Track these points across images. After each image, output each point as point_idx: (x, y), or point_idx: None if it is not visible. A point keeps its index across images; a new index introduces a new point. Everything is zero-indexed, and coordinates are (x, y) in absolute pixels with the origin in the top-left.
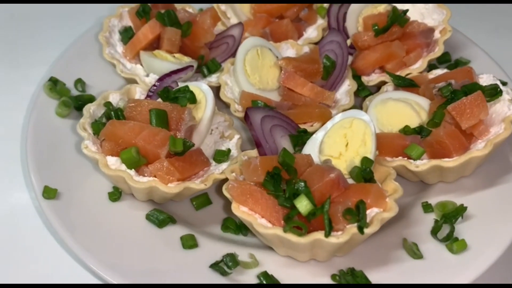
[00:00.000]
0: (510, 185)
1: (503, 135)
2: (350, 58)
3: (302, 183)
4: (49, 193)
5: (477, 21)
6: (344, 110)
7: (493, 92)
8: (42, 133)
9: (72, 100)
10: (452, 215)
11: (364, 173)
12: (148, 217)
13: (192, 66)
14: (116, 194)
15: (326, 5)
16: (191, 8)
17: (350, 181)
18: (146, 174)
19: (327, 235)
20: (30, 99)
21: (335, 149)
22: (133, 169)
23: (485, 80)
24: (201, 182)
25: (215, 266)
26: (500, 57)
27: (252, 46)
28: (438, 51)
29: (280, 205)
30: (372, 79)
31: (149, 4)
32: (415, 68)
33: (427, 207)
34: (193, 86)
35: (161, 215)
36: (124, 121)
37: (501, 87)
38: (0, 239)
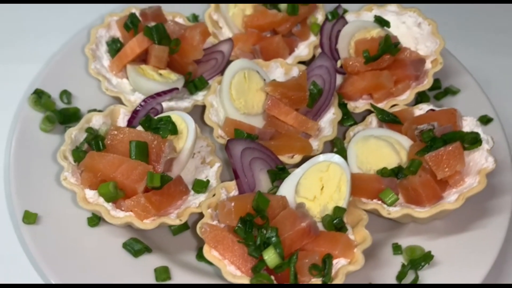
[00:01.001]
0: (480, 232)
1: (476, 189)
2: (340, 79)
3: (273, 233)
4: (29, 218)
5: (473, 41)
6: (326, 141)
7: (472, 141)
8: (25, 152)
9: (57, 114)
10: (419, 261)
11: (335, 222)
12: (125, 245)
13: (177, 88)
14: (95, 220)
15: (320, 21)
16: (182, 17)
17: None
18: (123, 208)
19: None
20: (15, 112)
21: (311, 192)
22: (110, 203)
23: (468, 123)
24: (177, 217)
25: None
26: (494, 78)
27: (239, 68)
28: (426, 84)
29: (249, 255)
30: (359, 106)
31: (137, 15)
32: (402, 100)
33: (396, 249)
34: (176, 115)
35: (137, 245)
36: (103, 154)
37: (482, 135)
38: None
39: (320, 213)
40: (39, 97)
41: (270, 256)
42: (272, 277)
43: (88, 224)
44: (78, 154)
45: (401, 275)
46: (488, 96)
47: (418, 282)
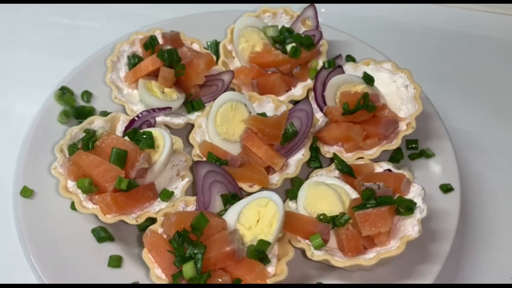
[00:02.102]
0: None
1: (391, 253)
2: (323, 121)
3: (200, 250)
4: (26, 193)
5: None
6: (287, 178)
7: (407, 208)
8: (40, 137)
9: (73, 110)
10: None
11: (257, 253)
12: (93, 231)
13: (170, 108)
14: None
15: (319, 66)
16: (199, 44)
17: None
18: (93, 202)
19: None
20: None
21: (248, 221)
22: (85, 194)
23: (414, 190)
24: (135, 218)
25: None
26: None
27: (229, 99)
28: (394, 144)
29: (174, 263)
30: (330, 151)
31: (158, 37)
32: (369, 154)
33: None
34: (157, 131)
35: (102, 233)
36: (88, 154)
37: (419, 204)
38: None
39: (251, 242)
40: (63, 93)
41: (188, 269)
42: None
43: (71, 207)
44: (73, 150)
45: None
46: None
47: None
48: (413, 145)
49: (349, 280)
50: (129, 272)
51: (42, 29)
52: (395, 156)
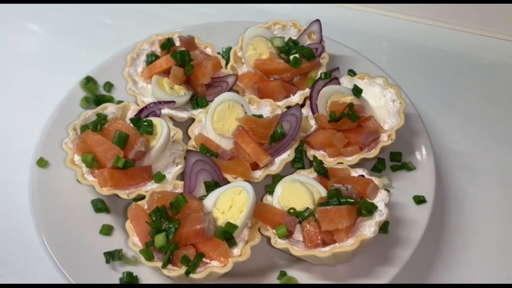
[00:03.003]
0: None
1: (346, 248)
2: (316, 128)
3: (174, 225)
4: (41, 163)
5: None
6: (269, 174)
7: (368, 210)
8: (62, 117)
9: (94, 97)
10: None
11: (224, 233)
12: (92, 201)
13: (174, 102)
14: None
15: (318, 76)
16: (212, 48)
17: None
18: (93, 175)
19: (162, 266)
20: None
21: (222, 206)
22: (87, 168)
23: (380, 196)
24: (127, 194)
25: (106, 253)
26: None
27: (227, 99)
28: (372, 153)
29: (149, 234)
30: (316, 155)
31: (175, 39)
32: (348, 160)
33: (281, 275)
34: (157, 120)
35: (100, 204)
36: (95, 133)
37: (380, 208)
38: None
39: (222, 224)
40: (88, 82)
41: (159, 238)
42: (156, 255)
43: (78, 180)
44: (84, 130)
45: None
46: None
47: None
48: (397, 158)
49: (310, 272)
50: (116, 240)
51: (84, 25)
52: (378, 166)
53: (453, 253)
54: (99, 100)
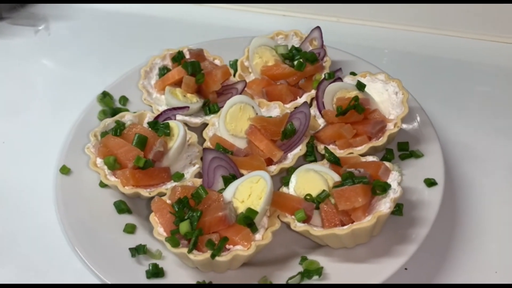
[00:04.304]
0: (371, 266)
1: (364, 224)
2: (323, 126)
3: (198, 213)
4: (64, 170)
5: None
6: (284, 168)
7: (381, 189)
8: (82, 129)
9: (111, 110)
10: (310, 272)
11: (245, 218)
12: (114, 203)
13: (188, 107)
14: (103, 183)
15: (322, 77)
16: (220, 60)
17: None
18: (115, 176)
19: (188, 251)
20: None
21: (241, 196)
22: (110, 170)
23: (392, 177)
24: (148, 192)
25: (131, 249)
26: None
27: (238, 101)
28: (380, 141)
29: (174, 223)
30: (326, 146)
31: (185, 53)
32: (358, 150)
33: (302, 260)
34: (174, 123)
35: (122, 205)
36: (115, 137)
37: (394, 186)
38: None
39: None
40: (104, 96)
41: (183, 225)
42: (181, 242)
43: (99, 185)
44: (104, 136)
45: (291, 278)
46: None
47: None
48: (404, 147)
49: (330, 256)
50: (139, 237)
51: (97, 51)
52: (387, 156)
53: (468, 233)
54: (115, 112)
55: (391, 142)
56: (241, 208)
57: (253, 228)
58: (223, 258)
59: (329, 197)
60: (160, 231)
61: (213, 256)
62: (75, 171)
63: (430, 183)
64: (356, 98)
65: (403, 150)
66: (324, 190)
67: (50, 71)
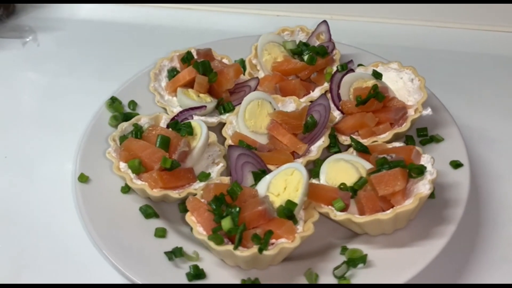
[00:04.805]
0: (414, 249)
1: (406, 207)
2: (341, 118)
3: (237, 209)
4: (83, 178)
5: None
6: (310, 160)
7: (417, 171)
8: (94, 136)
9: (122, 115)
10: (355, 260)
11: (286, 211)
12: (140, 208)
13: (205, 106)
14: (126, 189)
15: (333, 71)
16: (228, 59)
17: None
18: (142, 179)
19: (234, 248)
20: (98, 108)
21: (276, 189)
22: (134, 174)
23: (424, 159)
24: (178, 193)
25: (167, 253)
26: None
27: (255, 98)
28: (404, 127)
29: (213, 220)
30: (347, 139)
31: (193, 53)
32: (382, 138)
33: (343, 250)
34: (195, 122)
35: (149, 209)
36: (138, 140)
37: (429, 168)
38: (38, 201)
39: (281, 204)
40: (113, 102)
41: (225, 222)
42: (225, 239)
43: (121, 190)
44: (123, 140)
45: (337, 268)
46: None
47: (349, 277)
48: (423, 133)
49: (371, 244)
50: (172, 240)
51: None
52: (407, 143)
53: (500, 211)
54: (126, 117)
55: (412, 127)
56: (278, 202)
57: (294, 220)
58: (270, 252)
59: (366, 183)
60: (200, 231)
61: (260, 250)
62: (93, 179)
63: (456, 164)
64: (375, 86)
65: (423, 135)
66: (361, 177)
67: (43, 82)
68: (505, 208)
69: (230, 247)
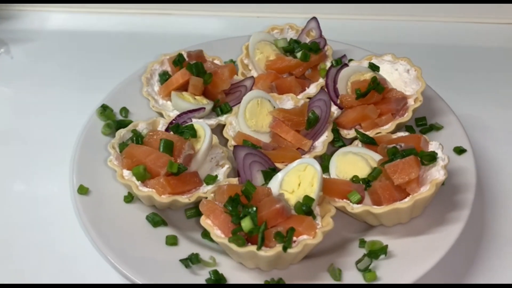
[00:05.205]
0: (433, 236)
1: (424, 194)
2: (339, 112)
3: (254, 208)
4: (82, 190)
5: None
6: (316, 156)
7: (430, 158)
8: (88, 145)
9: (115, 123)
10: (376, 252)
11: (304, 208)
12: (147, 217)
13: (204, 108)
14: (129, 198)
15: (328, 66)
16: (219, 60)
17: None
18: (148, 186)
19: (258, 248)
20: (87, 118)
21: (290, 186)
22: (140, 181)
23: (432, 146)
24: (187, 198)
25: (183, 260)
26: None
27: (254, 97)
28: (406, 117)
29: (232, 222)
30: (350, 133)
31: (184, 55)
32: (385, 129)
33: (361, 243)
34: (197, 124)
35: (156, 217)
36: (140, 146)
37: (440, 154)
38: (39, 217)
39: (297, 201)
40: (104, 110)
41: (246, 223)
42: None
43: (124, 200)
44: (123, 147)
45: (359, 261)
46: (474, 133)
47: (372, 269)
48: (422, 122)
49: (389, 234)
50: (184, 247)
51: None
52: (408, 132)
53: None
54: (120, 124)
55: (412, 116)
56: (293, 199)
57: (313, 216)
58: (294, 249)
59: (381, 173)
60: (218, 234)
61: (284, 248)
62: (93, 190)
63: (460, 150)
64: (375, 78)
65: (422, 125)
66: (375, 168)
67: (21, 96)
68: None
69: (252, 248)
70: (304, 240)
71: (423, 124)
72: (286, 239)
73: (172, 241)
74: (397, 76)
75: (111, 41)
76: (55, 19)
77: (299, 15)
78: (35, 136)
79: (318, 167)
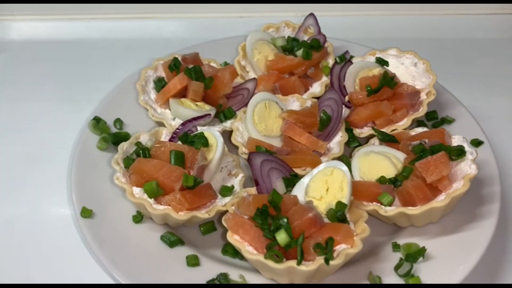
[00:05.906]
0: (469, 233)
1: (460, 190)
2: (348, 111)
3: (285, 220)
4: (86, 213)
5: (468, 81)
6: (334, 158)
7: (458, 153)
8: (84, 163)
9: (111, 136)
10: (414, 255)
11: (338, 214)
12: (162, 237)
13: (210, 114)
14: (138, 217)
15: (330, 65)
16: (216, 63)
17: (327, 220)
18: (162, 203)
19: (298, 263)
20: (78, 132)
21: (318, 192)
22: (152, 198)
23: (456, 140)
24: (206, 212)
25: (211, 281)
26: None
27: (261, 99)
28: (421, 111)
29: (264, 236)
30: (363, 131)
31: (179, 59)
32: (400, 125)
33: (395, 247)
34: (208, 132)
35: (173, 237)
36: (149, 159)
37: (467, 148)
38: (41, 245)
39: (326, 210)
40: (97, 122)
41: (281, 236)
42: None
43: (133, 220)
44: (128, 162)
45: (398, 266)
46: (480, 124)
47: (414, 273)
48: (433, 116)
49: (421, 235)
50: (207, 267)
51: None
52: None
53: None
54: (117, 137)
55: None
56: (322, 206)
57: (346, 222)
58: (337, 261)
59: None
60: (250, 250)
61: (327, 261)
62: (98, 212)
63: (477, 142)
64: (386, 73)
65: (433, 118)
66: (405, 167)
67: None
68: None
69: (292, 263)
70: (344, 250)
71: (434, 118)
72: (327, 251)
73: (193, 261)
74: (404, 70)
75: (86, 49)
76: (20, 28)
77: (280, 13)
78: (18, 156)
79: (346, 169)
